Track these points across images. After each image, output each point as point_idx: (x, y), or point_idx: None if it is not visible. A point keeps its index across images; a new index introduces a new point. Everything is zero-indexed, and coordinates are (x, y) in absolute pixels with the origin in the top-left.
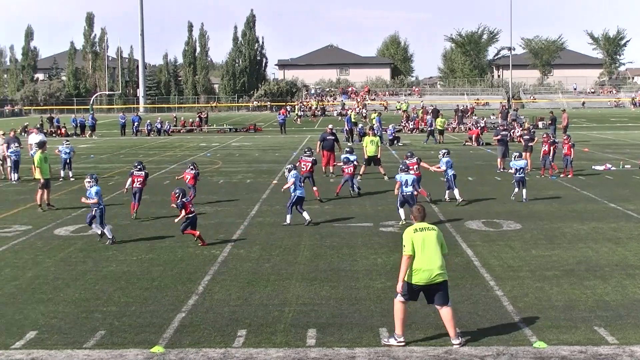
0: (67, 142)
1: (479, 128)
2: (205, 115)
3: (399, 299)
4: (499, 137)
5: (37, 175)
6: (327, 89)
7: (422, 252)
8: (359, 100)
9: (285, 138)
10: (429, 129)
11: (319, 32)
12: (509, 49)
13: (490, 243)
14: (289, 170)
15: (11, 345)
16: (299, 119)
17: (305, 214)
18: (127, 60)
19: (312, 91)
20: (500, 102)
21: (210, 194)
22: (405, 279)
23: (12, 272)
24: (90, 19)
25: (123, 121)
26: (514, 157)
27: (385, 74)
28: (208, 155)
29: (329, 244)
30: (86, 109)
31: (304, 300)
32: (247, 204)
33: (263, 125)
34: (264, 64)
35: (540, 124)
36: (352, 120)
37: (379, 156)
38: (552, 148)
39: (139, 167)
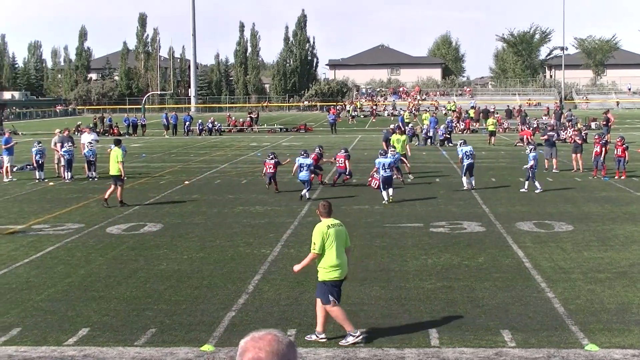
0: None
1: (531, 129)
2: (256, 115)
3: (332, 302)
4: (545, 137)
5: (116, 171)
6: (378, 89)
7: (336, 248)
8: (410, 100)
9: (336, 138)
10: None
11: (370, 32)
12: (562, 48)
13: (542, 244)
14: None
15: (64, 341)
16: (351, 119)
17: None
18: (178, 60)
19: (363, 91)
20: (554, 103)
21: (261, 193)
22: (326, 279)
23: (65, 270)
24: (142, 20)
25: (174, 121)
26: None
27: (436, 74)
28: (258, 154)
29: (379, 244)
30: (138, 108)
31: (353, 300)
32: (298, 204)
33: (313, 125)
34: (314, 64)
35: (592, 125)
36: (406, 120)
37: (408, 154)
38: (603, 149)
39: (271, 156)
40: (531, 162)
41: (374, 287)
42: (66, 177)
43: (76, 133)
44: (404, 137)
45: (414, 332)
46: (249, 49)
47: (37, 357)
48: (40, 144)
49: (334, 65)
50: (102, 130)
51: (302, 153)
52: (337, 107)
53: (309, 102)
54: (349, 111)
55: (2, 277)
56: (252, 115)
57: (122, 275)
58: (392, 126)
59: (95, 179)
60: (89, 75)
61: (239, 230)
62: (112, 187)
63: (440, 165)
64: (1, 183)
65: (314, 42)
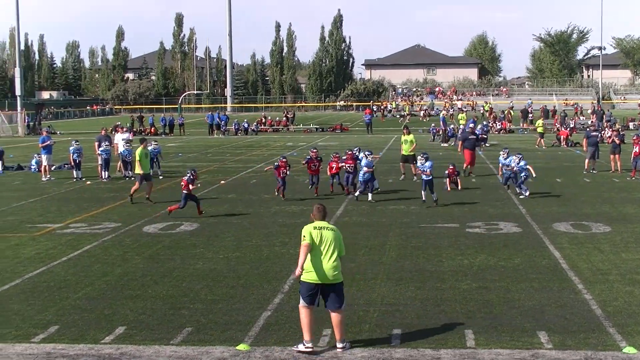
0: (155, 142)
1: (568, 129)
2: (292, 115)
3: (301, 304)
4: (588, 138)
5: (138, 169)
6: (414, 89)
7: (326, 249)
8: (447, 100)
9: (372, 138)
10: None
11: (406, 32)
12: (599, 48)
13: (579, 245)
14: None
15: (101, 339)
16: (383, 118)
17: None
18: (215, 60)
19: (399, 91)
20: (592, 102)
21: (297, 192)
22: (303, 278)
23: (102, 268)
24: (179, 20)
25: (213, 121)
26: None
27: (472, 74)
28: (295, 154)
29: (415, 244)
30: (175, 108)
31: (389, 301)
32: (334, 204)
33: (349, 125)
34: (350, 64)
35: (631, 125)
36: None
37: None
38: None
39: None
40: (524, 171)
41: (410, 287)
42: (103, 176)
43: (113, 132)
44: (411, 136)
45: (450, 332)
46: (285, 49)
47: (75, 354)
48: (77, 143)
49: (370, 65)
50: (139, 129)
51: (367, 154)
52: (374, 108)
53: (344, 102)
54: (379, 109)
55: (40, 275)
56: (288, 115)
57: (159, 274)
58: (471, 125)
59: (132, 178)
60: (126, 75)
61: (275, 229)
62: (137, 184)
63: (476, 166)
64: (39, 182)
65: (350, 42)
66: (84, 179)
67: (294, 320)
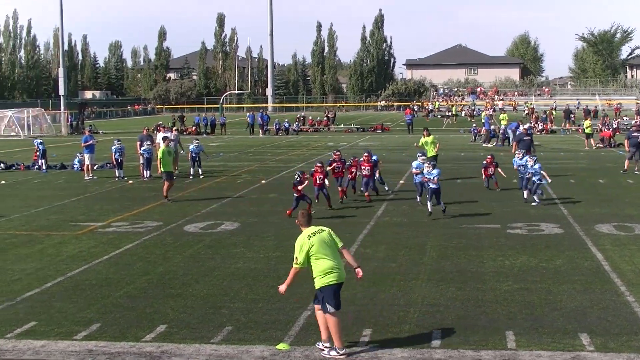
0: (197, 141)
1: (611, 129)
2: (333, 115)
3: (331, 310)
4: (629, 138)
5: (161, 168)
6: (455, 89)
7: (326, 253)
8: (488, 100)
9: (413, 138)
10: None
11: (448, 32)
12: None
13: (622, 247)
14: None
15: (142, 337)
16: (427, 118)
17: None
18: (256, 59)
19: (440, 91)
20: (637, 102)
21: (337, 192)
22: (322, 284)
23: (144, 267)
24: (221, 20)
25: (253, 120)
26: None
27: (514, 74)
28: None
29: (456, 245)
30: (216, 108)
31: (429, 301)
32: (374, 204)
33: (390, 125)
34: (391, 64)
35: None
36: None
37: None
38: None
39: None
40: (539, 175)
41: (450, 288)
42: (145, 176)
43: (155, 132)
44: (431, 137)
45: (491, 333)
46: (326, 49)
47: (116, 352)
48: (119, 143)
49: (411, 65)
50: (180, 129)
51: (420, 155)
52: (415, 108)
53: (385, 102)
54: (431, 111)
55: (82, 274)
56: (329, 115)
57: (199, 273)
58: (526, 126)
59: (173, 178)
60: (168, 75)
61: None
62: (165, 182)
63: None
64: (82, 181)
65: (391, 42)
66: (125, 178)
67: None
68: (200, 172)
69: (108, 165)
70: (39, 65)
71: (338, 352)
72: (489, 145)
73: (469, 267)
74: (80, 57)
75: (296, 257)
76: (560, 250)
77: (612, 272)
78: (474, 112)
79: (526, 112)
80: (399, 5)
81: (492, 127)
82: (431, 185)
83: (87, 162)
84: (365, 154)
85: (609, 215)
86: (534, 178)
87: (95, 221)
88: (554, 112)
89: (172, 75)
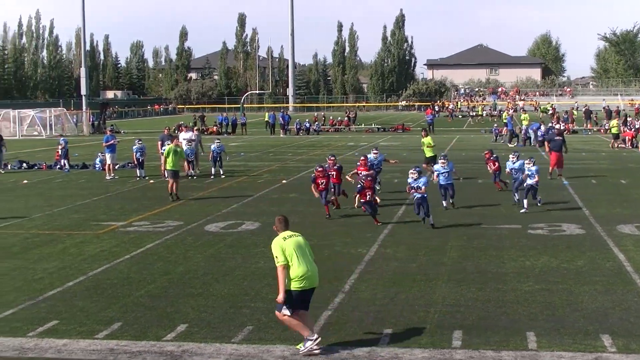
0: (218, 141)
1: (634, 130)
2: (354, 115)
3: (285, 312)
4: None
5: (168, 166)
6: (476, 89)
7: (300, 257)
8: (509, 100)
9: (434, 138)
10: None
11: (469, 32)
12: None
13: None
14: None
15: (163, 337)
16: (451, 118)
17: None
18: (277, 59)
19: (461, 91)
20: None
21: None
22: (294, 288)
23: (164, 266)
24: (242, 20)
25: (274, 120)
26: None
27: (535, 74)
28: (356, 154)
29: (476, 245)
30: (237, 107)
31: (450, 302)
32: (395, 204)
33: (411, 125)
34: (412, 64)
35: None
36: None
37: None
38: None
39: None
40: (535, 179)
41: (471, 288)
42: (166, 175)
43: (176, 132)
44: (428, 138)
45: (512, 334)
46: (347, 49)
47: (137, 351)
48: (140, 142)
49: (432, 65)
50: (201, 128)
51: (441, 159)
52: (436, 108)
53: (406, 102)
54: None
55: (103, 273)
56: (350, 115)
57: (220, 272)
58: (557, 126)
59: (195, 177)
60: (189, 75)
61: (335, 229)
62: (170, 181)
63: (539, 167)
64: (104, 180)
65: (412, 42)
66: (147, 178)
67: (354, 320)
68: (222, 172)
69: (129, 164)
70: (61, 65)
71: (312, 340)
72: (511, 145)
73: (490, 267)
74: (102, 57)
75: (276, 257)
76: (581, 250)
77: (634, 273)
78: (496, 113)
79: (551, 112)
80: (420, 5)
81: (514, 127)
82: (417, 195)
83: (108, 161)
84: (362, 158)
85: (631, 215)
86: (530, 181)
87: (117, 220)
88: (574, 112)
89: (193, 75)
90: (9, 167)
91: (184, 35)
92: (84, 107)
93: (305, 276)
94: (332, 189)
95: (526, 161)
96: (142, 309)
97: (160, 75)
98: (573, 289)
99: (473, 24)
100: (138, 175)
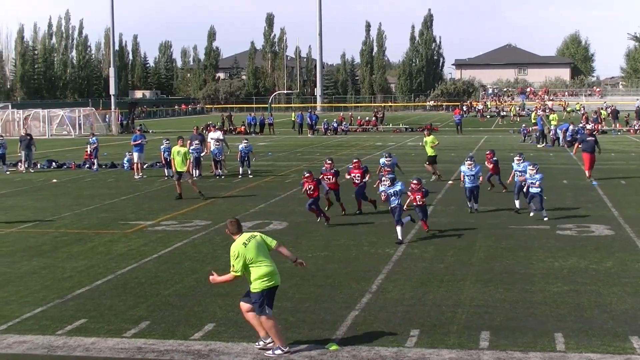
0: (246, 141)
1: None
2: (382, 115)
3: (268, 312)
4: None
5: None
6: (505, 89)
7: (263, 258)
8: (538, 100)
9: (462, 138)
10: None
11: (497, 31)
12: None
13: None
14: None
15: (190, 336)
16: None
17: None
18: (305, 59)
19: (489, 91)
20: None
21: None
22: (261, 288)
23: (192, 266)
24: (270, 20)
25: (302, 120)
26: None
27: (564, 73)
28: (385, 154)
29: (505, 246)
30: (265, 107)
31: (477, 302)
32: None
33: (439, 125)
34: (440, 64)
35: None
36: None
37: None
38: None
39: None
40: (536, 186)
41: (499, 289)
42: (194, 175)
43: (205, 132)
44: (430, 138)
45: (539, 335)
46: (375, 49)
47: (165, 350)
48: (168, 142)
49: (460, 64)
50: (229, 128)
51: (467, 160)
52: (464, 108)
53: (434, 102)
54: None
55: (132, 272)
56: (378, 115)
57: None
58: (589, 127)
59: (222, 177)
60: (217, 75)
61: (363, 229)
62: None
63: (567, 167)
64: (132, 180)
65: (440, 42)
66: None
67: (381, 320)
68: (249, 172)
69: (157, 164)
70: (90, 65)
71: (283, 350)
72: (540, 145)
73: (518, 268)
74: (130, 57)
75: (232, 266)
76: (610, 252)
77: None
78: (524, 113)
79: (582, 112)
80: (448, 5)
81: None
82: (393, 202)
83: (135, 160)
84: (355, 160)
85: None
86: (532, 190)
87: (145, 220)
88: (602, 112)
89: (221, 75)
90: (39, 166)
91: (212, 35)
92: (112, 107)
93: (270, 275)
94: (326, 194)
95: (529, 167)
96: (169, 308)
97: (189, 75)
98: (602, 290)
99: (502, 23)
100: (166, 174)
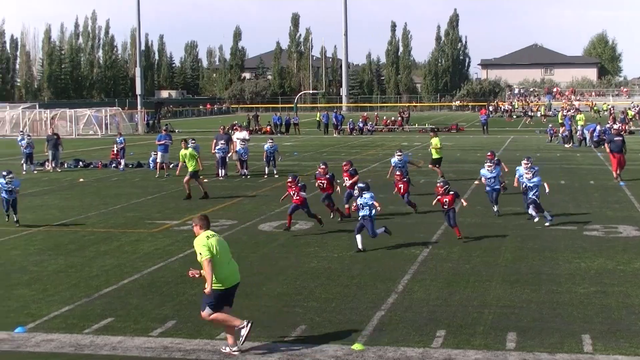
0: (271, 140)
1: None
2: (407, 115)
3: (207, 312)
4: None
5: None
6: (531, 89)
7: (223, 256)
8: (565, 101)
9: (488, 138)
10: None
11: (524, 31)
12: None
13: None
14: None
15: (216, 335)
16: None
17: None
18: (330, 59)
19: (516, 91)
20: None
21: (412, 193)
22: (216, 287)
23: None
24: (295, 20)
25: (328, 120)
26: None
27: (591, 73)
28: (410, 155)
29: (531, 247)
30: (290, 107)
31: (504, 303)
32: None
33: (465, 125)
34: (466, 64)
35: None
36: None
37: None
38: None
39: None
40: (534, 190)
41: (525, 290)
42: (220, 174)
43: (230, 131)
44: (435, 140)
45: (566, 337)
46: (401, 49)
47: (191, 349)
48: (193, 142)
49: (486, 64)
50: (254, 128)
51: (487, 163)
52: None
53: (460, 102)
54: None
55: (158, 271)
56: (403, 115)
57: (273, 272)
58: (616, 126)
59: (248, 177)
60: (243, 75)
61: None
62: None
63: (594, 168)
64: (158, 179)
65: (466, 42)
66: (201, 177)
67: (407, 320)
68: (275, 172)
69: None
70: (117, 65)
71: (231, 348)
72: (567, 146)
73: (544, 269)
74: (156, 57)
75: (200, 253)
76: (638, 253)
77: None
78: (551, 113)
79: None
80: (474, 4)
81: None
82: (361, 212)
83: (159, 160)
84: (345, 163)
85: None
86: (530, 194)
87: (171, 219)
88: (629, 112)
89: (247, 75)
90: (66, 166)
91: (237, 35)
92: (139, 107)
93: (228, 275)
94: (324, 200)
95: (525, 171)
96: (196, 307)
97: (214, 75)
98: (629, 291)
99: (528, 23)
100: None
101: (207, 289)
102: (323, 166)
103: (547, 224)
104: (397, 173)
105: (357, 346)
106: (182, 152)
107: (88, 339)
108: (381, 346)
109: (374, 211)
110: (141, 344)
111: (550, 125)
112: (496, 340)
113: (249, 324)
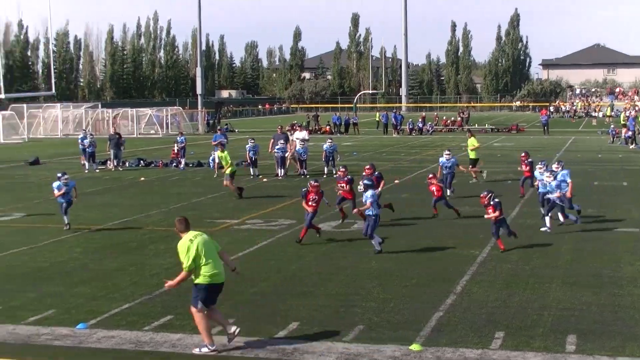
0: (330, 140)
1: None
2: (467, 115)
3: (201, 308)
4: None
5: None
6: (593, 90)
7: (209, 255)
8: (628, 101)
9: (548, 139)
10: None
11: (586, 31)
12: None
13: None
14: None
15: (275, 334)
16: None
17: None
18: (390, 59)
19: (577, 91)
20: None
21: (471, 193)
22: (203, 282)
23: (277, 264)
24: (355, 20)
25: (387, 120)
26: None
27: None
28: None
29: (591, 249)
30: (350, 107)
31: (564, 305)
32: (508, 205)
33: (526, 126)
34: (527, 64)
35: None
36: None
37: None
38: None
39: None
40: (557, 192)
41: (585, 292)
42: (279, 174)
43: (291, 131)
44: (471, 140)
45: (628, 340)
46: (461, 49)
47: (250, 348)
48: (253, 142)
49: (547, 64)
50: (314, 128)
51: (539, 165)
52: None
53: (521, 103)
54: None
55: None
56: (463, 115)
57: (331, 271)
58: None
59: (307, 176)
60: (303, 75)
61: (447, 230)
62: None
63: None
64: (218, 179)
65: (526, 41)
66: (260, 176)
67: (466, 321)
68: (334, 171)
69: (243, 163)
70: (178, 65)
71: (209, 348)
72: (631, 147)
73: (605, 271)
74: (217, 57)
75: (182, 262)
76: None
77: None
78: (613, 114)
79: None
80: (535, 4)
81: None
82: (367, 212)
83: (217, 160)
84: (367, 167)
85: None
86: (551, 196)
87: (231, 218)
88: None
89: (306, 75)
90: (127, 165)
91: (297, 35)
92: (199, 106)
93: (213, 273)
94: (338, 205)
95: (541, 170)
96: (254, 306)
97: (274, 75)
98: None
99: (590, 22)
100: (252, 173)
101: (170, 283)
102: (343, 169)
103: (542, 228)
104: (430, 176)
105: (415, 347)
106: (219, 154)
107: (148, 336)
108: (439, 347)
109: (375, 211)
110: (200, 341)
111: (612, 126)
112: (556, 343)
113: (214, 350)
